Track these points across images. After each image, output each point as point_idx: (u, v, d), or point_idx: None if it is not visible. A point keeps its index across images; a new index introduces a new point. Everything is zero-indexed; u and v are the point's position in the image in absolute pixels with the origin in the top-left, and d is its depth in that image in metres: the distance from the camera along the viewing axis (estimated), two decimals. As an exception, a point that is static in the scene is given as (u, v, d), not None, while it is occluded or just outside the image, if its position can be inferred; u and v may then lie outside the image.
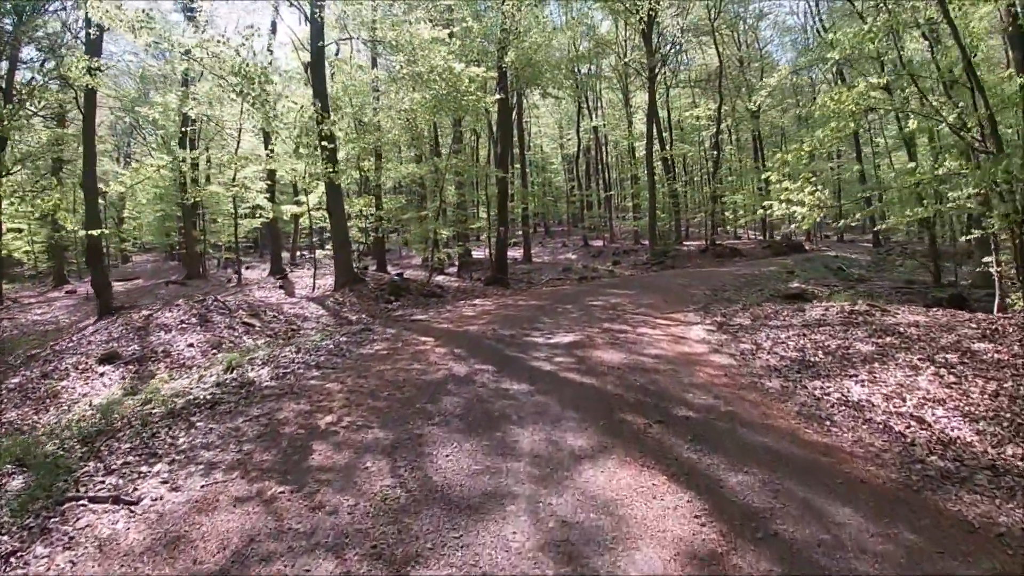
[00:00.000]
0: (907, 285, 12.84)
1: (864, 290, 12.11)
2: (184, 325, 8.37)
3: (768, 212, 8.15)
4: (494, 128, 21.68)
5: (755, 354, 6.33)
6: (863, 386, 5.17)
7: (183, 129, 21.78)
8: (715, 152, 29.13)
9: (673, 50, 28.43)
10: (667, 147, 30.57)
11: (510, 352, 6.79)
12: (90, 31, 12.74)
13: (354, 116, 18.76)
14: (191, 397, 5.67)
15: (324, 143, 12.79)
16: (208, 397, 5.60)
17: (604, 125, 34.95)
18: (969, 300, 10.53)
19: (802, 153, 8.72)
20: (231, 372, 6.38)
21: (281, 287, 16.03)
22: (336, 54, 21.38)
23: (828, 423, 4.51)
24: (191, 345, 7.77)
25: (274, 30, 22.63)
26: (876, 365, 5.63)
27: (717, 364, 6.10)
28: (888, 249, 23.62)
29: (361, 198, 18.03)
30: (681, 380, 5.54)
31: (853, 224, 40.66)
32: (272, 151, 16.91)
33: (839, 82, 28.23)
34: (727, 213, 32.81)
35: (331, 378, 6.06)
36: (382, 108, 18.65)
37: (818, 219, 8.69)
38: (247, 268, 25.12)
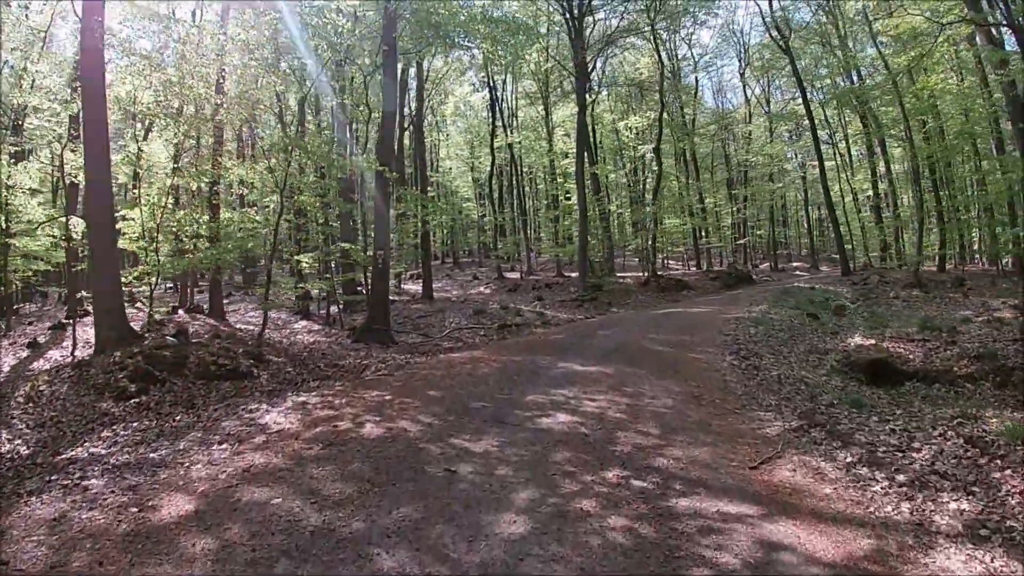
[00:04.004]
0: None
1: (979, 348, 7.17)
2: None
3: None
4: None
5: None
6: None
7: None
8: (656, 167, 24.81)
9: (603, 50, 23.99)
10: (597, 162, 25.99)
11: None
12: None
13: (178, 83, 11.57)
14: None
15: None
16: None
17: (520, 143, 30.23)
18: None
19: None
20: None
21: (29, 346, 9.00)
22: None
23: None
24: None
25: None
26: None
27: None
28: (864, 279, 19.42)
29: (156, 205, 10.64)
30: None
31: (780, 252, 38.29)
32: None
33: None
34: (657, 241, 28.77)
35: None
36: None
37: None
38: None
